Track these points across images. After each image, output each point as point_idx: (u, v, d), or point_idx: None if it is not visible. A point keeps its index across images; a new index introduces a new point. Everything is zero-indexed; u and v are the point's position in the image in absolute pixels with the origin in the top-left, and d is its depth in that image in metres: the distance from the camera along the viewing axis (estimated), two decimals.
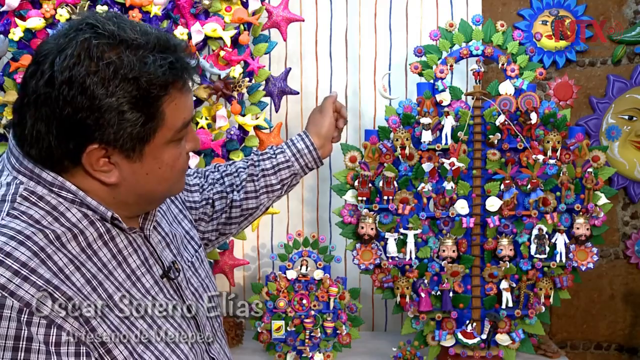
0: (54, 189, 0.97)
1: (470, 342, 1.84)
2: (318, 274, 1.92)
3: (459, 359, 1.88)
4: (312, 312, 1.91)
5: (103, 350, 0.93)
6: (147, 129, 0.95)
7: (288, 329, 1.90)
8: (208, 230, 1.43)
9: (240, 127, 1.97)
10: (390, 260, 1.84)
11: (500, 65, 1.87)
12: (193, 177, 1.44)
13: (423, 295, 1.83)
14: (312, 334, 1.90)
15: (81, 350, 0.89)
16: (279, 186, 1.46)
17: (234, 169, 1.47)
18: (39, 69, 0.93)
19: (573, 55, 2.22)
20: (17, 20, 1.85)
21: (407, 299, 1.86)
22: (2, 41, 1.87)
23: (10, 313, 0.84)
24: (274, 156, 1.46)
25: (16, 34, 1.84)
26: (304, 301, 1.91)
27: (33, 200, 0.95)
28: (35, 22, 1.84)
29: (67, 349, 0.88)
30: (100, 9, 1.83)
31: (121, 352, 0.95)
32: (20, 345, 0.85)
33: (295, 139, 1.48)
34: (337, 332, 1.93)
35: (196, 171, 1.47)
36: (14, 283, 0.85)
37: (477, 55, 1.88)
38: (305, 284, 1.92)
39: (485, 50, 1.87)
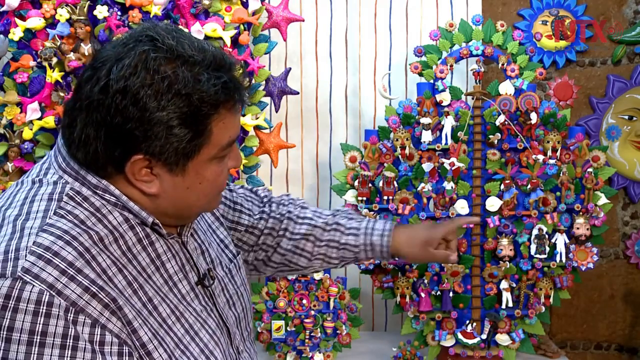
0: (97, 191, 0.98)
1: (470, 342, 1.84)
2: (318, 274, 1.92)
3: (459, 359, 1.88)
4: (312, 312, 1.91)
5: (143, 352, 0.94)
6: (193, 146, 0.96)
7: (288, 329, 1.90)
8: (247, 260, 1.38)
9: (240, 127, 1.97)
10: (390, 260, 1.84)
11: (500, 65, 1.87)
12: (252, 201, 1.38)
13: (423, 295, 1.83)
14: (312, 334, 1.90)
15: (124, 350, 0.91)
16: (337, 261, 1.40)
17: (302, 215, 1.40)
18: (95, 74, 0.94)
19: (573, 55, 2.22)
20: (17, 20, 1.85)
21: (407, 299, 1.86)
22: (2, 41, 1.87)
23: (59, 311, 0.86)
24: (345, 234, 1.39)
25: (16, 34, 1.84)
26: (304, 301, 1.91)
27: (78, 200, 0.97)
28: (35, 22, 1.84)
29: (111, 349, 0.89)
30: (100, 9, 1.83)
31: (160, 355, 0.96)
32: (68, 343, 0.86)
33: (375, 230, 1.38)
34: (337, 332, 1.93)
35: (261, 196, 1.40)
36: (61, 282, 0.87)
37: (477, 55, 1.88)
38: (305, 284, 1.92)
39: (485, 50, 1.87)
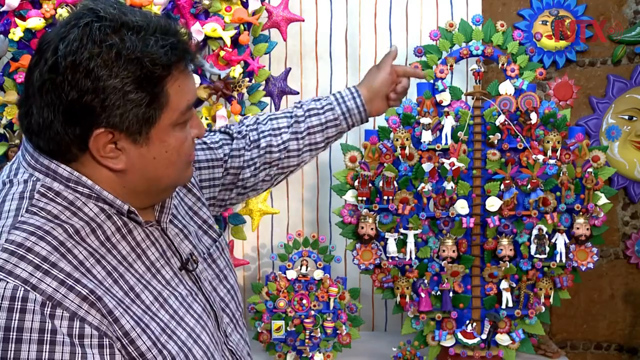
0: (70, 184, 0.97)
1: (470, 342, 1.84)
2: (318, 274, 1.92)
3: (459, 359, 1.88)
4: (312, 312, 1.91)
5: (126, 341, 0.94)
6: (152, 110, 0.96)
7: (288, 329, 1.90)
8: (230, 188, 1.39)
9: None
10: (390, 260, 1.84)
11: (500, 65, 1.87)
12: (237, 137, 1.41)
13: (423, 295, 1.83)
14: (312, 334, 1.90)
15: (104, 342, 0.91)
16: (323, 144, 1.46)
17: (275, 126, 1.44)
18: (42, 57, 0.93)
19: (573, 55, 2.21)
20: (17, 20, 1.85)
21: (407, 299, 1.86)
22: (2, 41, 1.87)
23: (34, 306, 0.86)
24: (321, 112, 1.44)
25: (16, 34, 1.84)
26: (304, 301, 1.91)
27: (50, 196, 0.96)
28: (35, 22, 1.84)
29: (91, 341, 0.89)
30: None
31: (144, 342, 0.96)
32: (45, 338, 0.86)
33: (345, 96, 1.46)
34: (337, 332, 1.93)
35: (232, 131, 1.42)
36: (36, 277, 0.87)
37: (477, 55, 1.88)
38: (305, 284, 1.92)
39: (485, 50, 1.87)
